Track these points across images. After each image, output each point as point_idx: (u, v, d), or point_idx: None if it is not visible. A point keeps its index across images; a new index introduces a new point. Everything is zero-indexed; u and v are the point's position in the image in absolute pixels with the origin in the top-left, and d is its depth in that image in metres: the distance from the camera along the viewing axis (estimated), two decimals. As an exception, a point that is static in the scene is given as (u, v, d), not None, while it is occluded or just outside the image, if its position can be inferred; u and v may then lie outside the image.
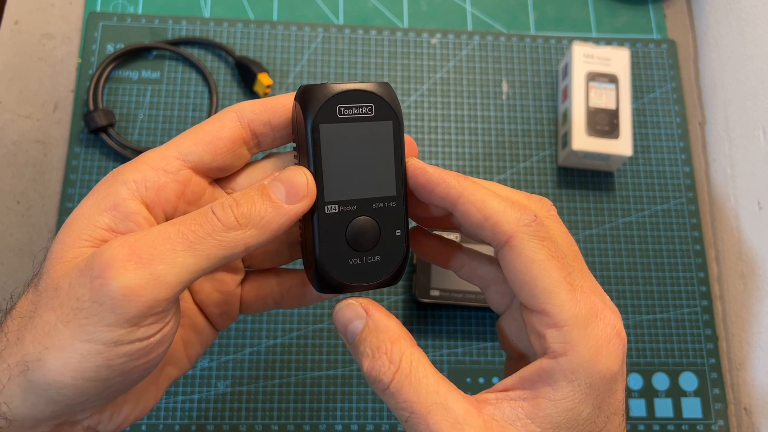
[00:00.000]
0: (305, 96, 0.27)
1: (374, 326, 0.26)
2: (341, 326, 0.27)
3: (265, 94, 0.55)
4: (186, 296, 0.31)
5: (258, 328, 0.51)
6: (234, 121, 0.27)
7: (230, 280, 0.32)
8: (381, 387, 0.25)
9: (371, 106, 0.27)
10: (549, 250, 0.25)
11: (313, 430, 0.48)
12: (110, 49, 0.56)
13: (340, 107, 0.27)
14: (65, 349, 0.23)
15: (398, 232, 0.28)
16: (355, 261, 0.27)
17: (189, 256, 0.23)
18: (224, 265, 0.31)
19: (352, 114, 0.27)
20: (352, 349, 0.27)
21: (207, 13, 0.59)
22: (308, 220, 0.27)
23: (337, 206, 0.27)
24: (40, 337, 0.23)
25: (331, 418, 0.49)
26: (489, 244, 0.27)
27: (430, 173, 0.27)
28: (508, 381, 0.26)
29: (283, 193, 0.26)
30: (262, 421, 0.48)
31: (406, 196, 0.28)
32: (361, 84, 0.27)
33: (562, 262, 0.25)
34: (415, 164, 0.28)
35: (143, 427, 0.47)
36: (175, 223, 0.24)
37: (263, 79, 0.54)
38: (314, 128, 0.26)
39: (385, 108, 0.27)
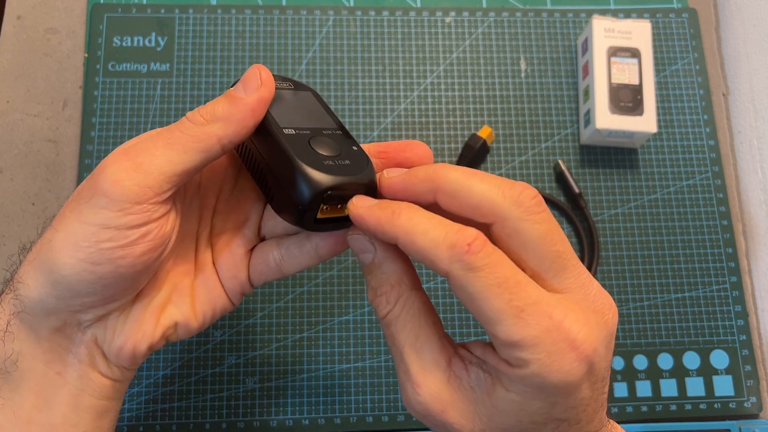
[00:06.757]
0: None
1: (379, 264, 0.30)
2: (356, 251, 0.31)
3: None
4: (207, 253, 0.35)
5: (284, 322, 0.50)
6: None
7: (243, 244, 0.35)
8: (378, 316, 0.30)
9: (291, 83, 0.34)
10: (486, 279, 0.26)
11: (344, 423, 0.48)
12: (117, 42, 0.55)
13: None
14: (68, 230, 0.28)
15: (355, 147, 0.31)
16: (329, 162, 0.30)
17: (167, 149, 0.28)
18: (239, 229, 0.35)
19: (280, 86, 0.33)
20: (363, 269, 0.31)
21: (214, 0, 0.57)
22: (272, 143, 0.30)
23: (293, 130, 0.31)
24: (55, 225, 0.29)
25: (361, 410, 0.48)
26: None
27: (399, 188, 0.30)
28: (494, 353, 0.28)
29: (241, 89, 0.30)
30: (292, 416, 0.48)
31: (347, 131, 0.33)
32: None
33: (503, 287, 0.26)
34: (388, 176, 0.30)
35: (173, 427, 0.47)
36: (160, 131, 0.29)
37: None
38: None
39: (301, 87, 0.34)
